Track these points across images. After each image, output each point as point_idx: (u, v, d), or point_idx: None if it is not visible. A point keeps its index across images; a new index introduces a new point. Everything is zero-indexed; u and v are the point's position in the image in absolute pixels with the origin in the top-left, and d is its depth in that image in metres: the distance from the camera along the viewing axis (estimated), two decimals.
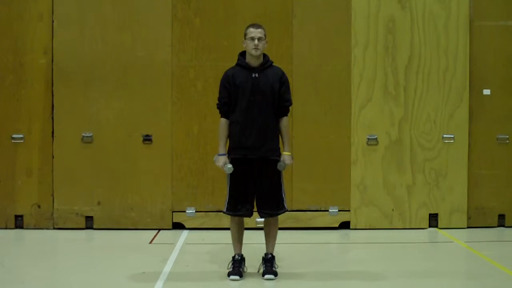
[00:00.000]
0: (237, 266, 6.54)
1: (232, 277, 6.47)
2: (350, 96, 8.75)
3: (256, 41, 6.45)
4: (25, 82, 8.57)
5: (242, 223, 6.67)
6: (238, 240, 6.64)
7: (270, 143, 6.48)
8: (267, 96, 6.47)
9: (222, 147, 6.53)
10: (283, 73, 6.61)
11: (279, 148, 6.57)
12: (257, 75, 6.51)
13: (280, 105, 6.54)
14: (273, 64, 6.65)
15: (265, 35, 6.55)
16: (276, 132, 6.54)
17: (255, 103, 6.47)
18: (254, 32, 6.48)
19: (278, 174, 6.56)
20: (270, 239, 6.67)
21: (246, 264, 6.70)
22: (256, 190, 6.51)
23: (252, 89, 6.48)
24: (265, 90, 6.47)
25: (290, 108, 6.72)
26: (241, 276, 6.49)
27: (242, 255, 6.62)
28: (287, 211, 6.77)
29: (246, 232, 8.17)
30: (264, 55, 6.60)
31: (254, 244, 8.28)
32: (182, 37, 8.64)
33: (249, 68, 6.54)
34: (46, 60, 8.56)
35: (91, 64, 8.58)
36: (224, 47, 8.66)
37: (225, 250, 7.76)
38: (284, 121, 6.59)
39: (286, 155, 6.54)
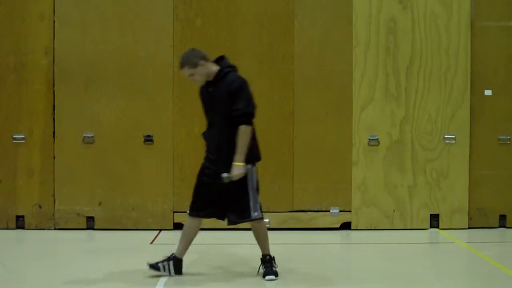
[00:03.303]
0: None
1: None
2: (351, 96, 8.75)
3: (190, 79, 6.36)
4: (26, 82, 8.57)
5: (198, 226, 6.60)
6: (189, 242, 6.59)
7: (225, 158, 6.26)
8: (222, 109, 6.29)
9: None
10: (232, 81, 6.27)
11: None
12: (211, 89, 6.36)
13: (230, 115, 6.26)
14: (231, 71, 6.36)
15: (193, 65, 6.25)
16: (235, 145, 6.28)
17: (213, 116, 6.38)
18: (183, 73, 6.37)
19: (242, 184, 6.32)
20: (259, 242, 6.59)
21: (246, 266, 6.70)
22: (219, 198, 6.42)
23: (210, 103, 6.39)
24: (219, 103, 6.30)
25: (252, 114, 6.34)
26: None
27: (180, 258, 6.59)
28: (258, 218, 6.47)
29: (247, 233, 8.17)
30: (222, 64, 6.36)
31: (256, 244, 8.28)
32: (183, 37, 8.64)
33: (206, 82, 6.40)
34: (47, 61, 8.57)
35: (92, 65, 8.58)
36: (225, 48, 8.64)
37: (225, 251, 7.77)
38: (239, 130, 6.21)
39: (234, 166, 6.20)
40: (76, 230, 8.57)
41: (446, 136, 8.80)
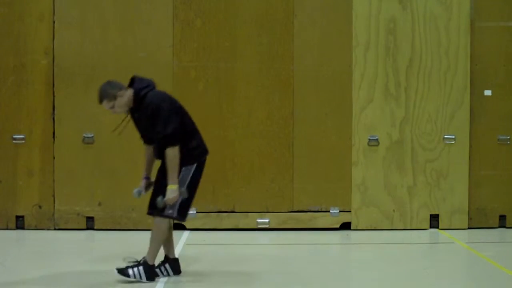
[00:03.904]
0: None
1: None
2: (351, 96, 8.75)
3: (112, 112, 6.28)
4: (26, 82, 8.57)
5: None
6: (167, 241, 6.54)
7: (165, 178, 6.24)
8: (149, 132, 6.27)
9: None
10: (148, 105, 6.12)
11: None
12: (136, 114, 6.30)
13: (155, 138, 6.22)
14: (148, 91, 6.18)
15: (111, 99, 6.11)
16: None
17: (149, 138, 6.40)
18: (103, 107, 6.25)
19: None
20: (150, 242, 6.43)
21: (247, 266, 6.69)
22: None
23: (141, 127, 6.37)
24: (146, 127, 6.26)
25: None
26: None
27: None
28: (169, 217, 6.27)
29: (248, 233, 8.25)
30: (135, 87, 6.19)
31: (256, 244, 8.30)
32: (183, 37, 8.64)
33: (130, 109, 6.30)
34: (47, 61, 8.56)
35: (92, 65, 8.58)
36: (225, 48, 8.67)
37: (226, 251, 7.77)
38: (165, 153, 6.12)
39: (167, 189, 6.11)
40: (76, 230, 8.57)
41: (446, 136, 8.80)
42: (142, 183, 6.58)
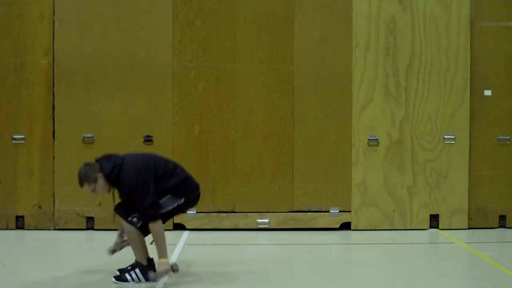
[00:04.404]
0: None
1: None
2: (351, 97, 8.75)
3: (94, 193, 6.24)
4: (26, 82, 8.57)
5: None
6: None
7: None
8: (130, 204, 6.21)
9: None
10: (123, 184, 6.08)
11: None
12: (117, 189, 6.27)
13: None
14: (119, 169, 6.10)
15: (92, 181, 6.07)
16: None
17: (120, 211, 6.41)
18: (84, 190, 6.19)
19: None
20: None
21: (247, 265, 6.69)
22: None
23: (121, 198, 6.34)
24: (126, 200, 6.23)
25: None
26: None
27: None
28: (133, 223, 6.28)
29: (248, 233, 8.24)
30: (105, 168, 6.11)
31: (256, 245, 8.30)
32: (183, 38, 8.64)
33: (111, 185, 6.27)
34: (47, 61, 8.56)
35: (92, 65, 8.58)
36: (225, 48, 8.67)
37: (226, 251, 7.77)
38: (150, 228, 6.12)
39: (158, 263, 6.12)
40: (76, 231, 8.57)
41: (445, 136, 8.80)
42: (117, 240, 6.53)
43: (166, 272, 6.13)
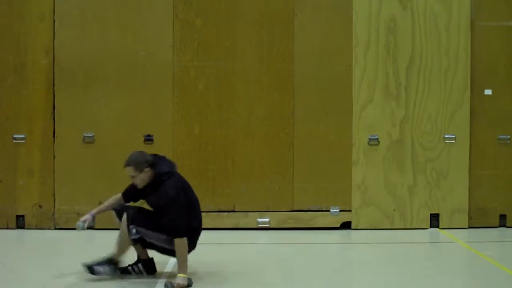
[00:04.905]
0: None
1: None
2: (351, 96, 8.75)
3: (132, 178, 6.38)
4: (27, 82, 8.57)
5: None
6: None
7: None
8: (157, 212, 6.35)
9: None
10: (163, 195, 6.24)
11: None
12: (148, 190, 6.40)
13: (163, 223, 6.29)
14: (167, 179, 6.30)
15: (138, 169, 6.26)
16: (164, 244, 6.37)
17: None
18: (126, 170, 6.35)
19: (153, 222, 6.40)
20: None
21: (247, 265, 6.68)
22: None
23: (143, 197, 6.47)
24: (154, 206, 6.38)
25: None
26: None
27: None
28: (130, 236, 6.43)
29: (248, 232, 8.25)
30: (159, 169, 6.33)
31: (256, 244, 8.30)
32: (183, 37, 8.65)
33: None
34: (48, 60, 8.57)
35: (92, 64, 8.59)
36: (225, 48, 8.67)
37: (226, 251, 7.77)
38: (175, 243, 6.23)
39: (178, 277, 6.20)
40: (76, 230, 8.55)
41: (446, 135, 8.80)
42: (88, 217, 6.64)
43: (182, 286, 6.18)
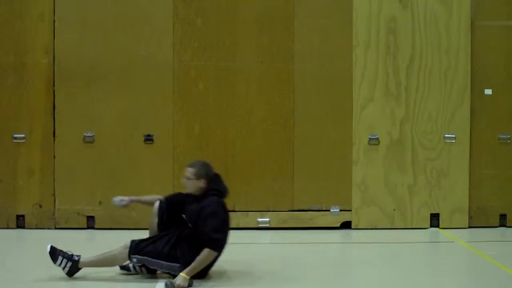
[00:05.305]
0: None
1: None
2: (352, 95, 8.75)
3: (184, 179, 6.50)
4: (27, 82, 8.57)
5: None
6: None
7: (180, 255, 6.39)
8: (193, 223, 6.42)
9: None
10: (207, 205, 6.32)
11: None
12: (191, 199, 6.50)
13: (199, 236, 6.34)
14: (214, 195, 6.42)
15: (196, 175, 6.42)
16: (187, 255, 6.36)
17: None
18: (185, 171, 6.49)
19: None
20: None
21: (248, 265, 6.69)
22: None
23: (188, 212, 6.53)
24: (192, 218, 6.42)
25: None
26: None
27: None
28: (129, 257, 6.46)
29: (248, 232, 8.23)
30: (211, 185, 6.45)
31: (256, 244, 8.29)
32: (183, 37, 8.64)
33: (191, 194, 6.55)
34: (48, 60, 8.56)
35: (92, 64, 8.58)
36: (225, 47, 8.67)
37: (227, 250, 7.75)
38: (203, 251, 6.25)
39: (180, 276, 6.18)
40: (77, 230, 8.57)
41: (446, 135, 8.80)
42: (126, 198, 6.79)
43: (183, 285, 6.15)
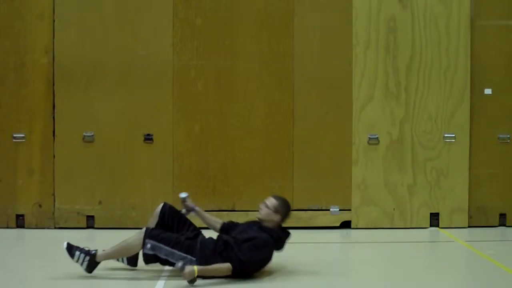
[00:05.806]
0: None
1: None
2: (351, 95, 8.75)
3: (262, 204, 6.66)
4: (26, 81, 8.57)
5: None
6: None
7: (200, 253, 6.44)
8: (238, 242, 6.42)
9: None
10: (259, 234, 6.46)
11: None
12: (252, 223, 6.73)
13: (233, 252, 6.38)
14: (270, 231, 6.53)
15: (276, 209, 6.59)
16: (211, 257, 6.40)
17: (228, 233, 6.71)
18: (268, 198, 6.69)
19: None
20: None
21: None
22: None
23: (241, 228, 6.71)
24: (242, 235, 6.48)
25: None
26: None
27: None
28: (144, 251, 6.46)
29: None
30: (275, 228, 6.60)
31: None
32: (183, 36, 8.64)
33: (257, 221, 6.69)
34: (47, 60, 8.56)
35: (92, 64, 8.58)
36: (225, 47, 8.67)
37: None
38: (224, 264, 6.33)
39: (191, 268, 6.19)
40: (76, 229, 8.57)
41: (446, 135, 8.80)
42: (191, 204, 6.98)
43: (188, 276, 6.14)
